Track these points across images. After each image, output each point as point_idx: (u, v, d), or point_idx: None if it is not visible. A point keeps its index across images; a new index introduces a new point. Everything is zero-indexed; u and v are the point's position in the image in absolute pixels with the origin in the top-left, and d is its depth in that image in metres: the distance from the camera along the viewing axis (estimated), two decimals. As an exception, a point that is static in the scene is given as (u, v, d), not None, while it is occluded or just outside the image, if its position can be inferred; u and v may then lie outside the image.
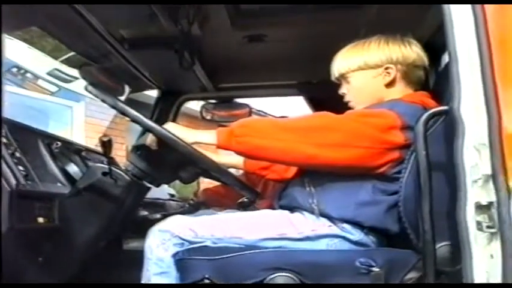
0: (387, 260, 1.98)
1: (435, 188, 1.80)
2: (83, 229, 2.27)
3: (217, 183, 2.89)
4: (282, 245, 2.10)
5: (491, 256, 1.55)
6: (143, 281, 2.14)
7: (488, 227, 1.54)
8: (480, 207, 1.56)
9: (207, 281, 2.01)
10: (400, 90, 2.26)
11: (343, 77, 2.33)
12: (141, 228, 2.22)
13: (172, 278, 2.10)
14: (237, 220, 2.21)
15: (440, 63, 2.47)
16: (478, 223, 1.55)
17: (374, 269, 1.95)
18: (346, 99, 2.35)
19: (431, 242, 1.80)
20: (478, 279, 1.56)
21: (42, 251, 2.19)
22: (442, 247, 1.86)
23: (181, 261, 2.08)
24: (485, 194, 1.56)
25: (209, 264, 2.02)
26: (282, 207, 2.23)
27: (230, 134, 2.05)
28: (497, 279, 1.53)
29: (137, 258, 2.17)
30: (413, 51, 2.28)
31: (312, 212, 2.10)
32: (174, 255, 2.09)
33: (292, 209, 2.18)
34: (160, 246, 2.10)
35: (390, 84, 2.27)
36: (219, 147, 2.07)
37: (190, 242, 2.10)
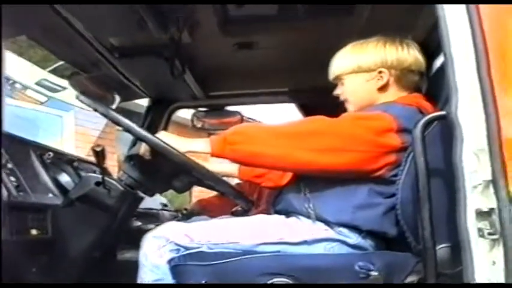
0: (386, 264, 1.96)
1: (433, 190, 1.79)
2: (77, 240, 2.24)
3: (211, 194, 2.86)
4: (279, 249, 2.07)
5: (493, 263, 1.53)
6: None
7: (489, 233, 1.52)
8: (481, 214, 1.54)
9: None
10: (393, 94, 2.25)
11: (338, 78, 2.32)
12: (135, 239, 2.18)
13: None
14: (233, 225, 2.19)
15: (433, 66, 2.46)
16: (480, 230, 1.53)
17: (373, 273, 1.93)
18: (341, 99, 2.34)
19: (431, 244, 1.78)
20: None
21: (36, 263, 2.17)
22: (442, 249, 1.84)
23: (177, 267, 2.06)
24: (486, 200, 1.54)
25: (206, 269, 2.00)
26: (278, 212, 2.22)
27: (223, 142, 2.03)
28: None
29: (132, 269, 2.14)
30: (410, 55, 2.25)
31: (308, 216, 2.08)
32: (170, 261, 2.06)
33: (288, 213, 2.16)
34: (156, 253, 2.07)
35: (383, 88, 2.25)
36: (213, 155, 2.05)
37: (186, 248, 2.07)
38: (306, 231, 2.07)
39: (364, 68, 2.25)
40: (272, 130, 2.06)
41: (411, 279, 1.96)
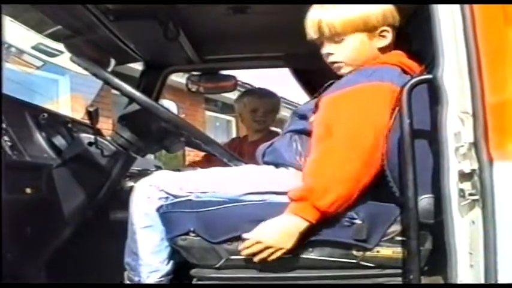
0: (369, 213, 1.98)
1: (417, 151, 1.83)
2: (70, 199, 2.28)
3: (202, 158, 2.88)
4: (267, 198, 2.10)
5: (473, 222, 1.58)
6: (129, 235, 2.17)
7: (470, 194, 1.57)
8: (463, 175, 1.58)
9: (192, 234, 2.02)
10: (389, 52, 2.19)
11: (336, 35, 2.15)
12: (128, 199, 2.23)
13: (158, 231, 2.12)
14: (222, 174, 2.22)
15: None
16: (461, 190, 1.58)
17: (356, 221, 1.96)
18: (332, 59, 2.20)
19: (413, 194, 1.82)
20: (460, 245, 1.59)
21: (30, 222, 2.19)
22: (424, 199, 1.88)
23: (166, 214, 2.09)
24: (468, 162, 1.58)
25: (194, 216, 2.03)
26: (267, 164, 2.24)
27: (312, 207, 1.94)
28: (479, 245, 1.56)
29: (124, 229, 2.19)
30: (396, 12, 2.17)
31: (298, 169, 2.11)
32: (159, 209, 2.11)
33: (277, 165, 2.20)
34: (146, 200, 2.12)
35: (383, 47, 2.18)
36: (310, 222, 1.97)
37: (175, 196, 2.11)
38: (293, 181, 2.07)
39: (369, 26, 2.14)
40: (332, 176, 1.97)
41: (394, 228, 1.99)
